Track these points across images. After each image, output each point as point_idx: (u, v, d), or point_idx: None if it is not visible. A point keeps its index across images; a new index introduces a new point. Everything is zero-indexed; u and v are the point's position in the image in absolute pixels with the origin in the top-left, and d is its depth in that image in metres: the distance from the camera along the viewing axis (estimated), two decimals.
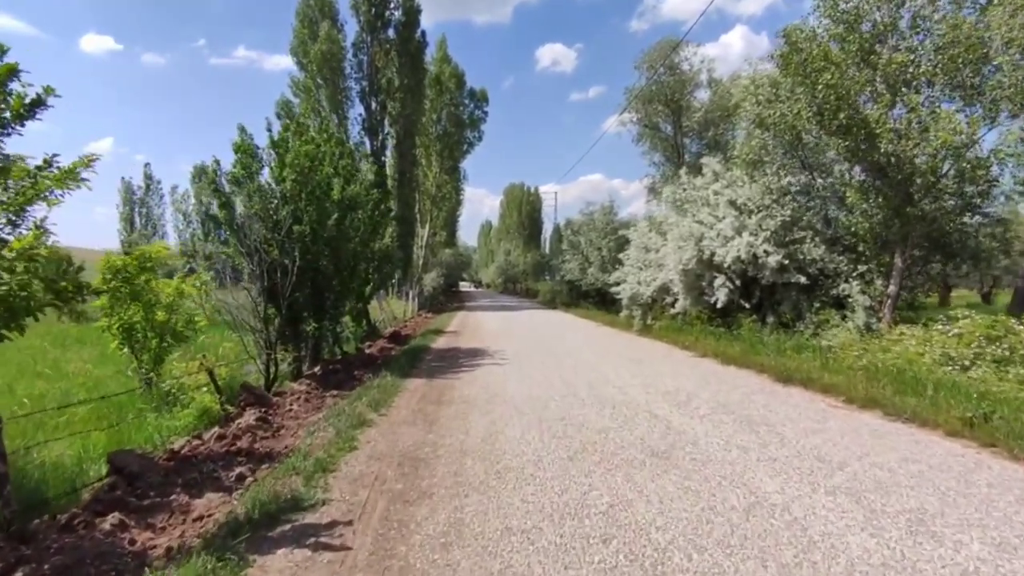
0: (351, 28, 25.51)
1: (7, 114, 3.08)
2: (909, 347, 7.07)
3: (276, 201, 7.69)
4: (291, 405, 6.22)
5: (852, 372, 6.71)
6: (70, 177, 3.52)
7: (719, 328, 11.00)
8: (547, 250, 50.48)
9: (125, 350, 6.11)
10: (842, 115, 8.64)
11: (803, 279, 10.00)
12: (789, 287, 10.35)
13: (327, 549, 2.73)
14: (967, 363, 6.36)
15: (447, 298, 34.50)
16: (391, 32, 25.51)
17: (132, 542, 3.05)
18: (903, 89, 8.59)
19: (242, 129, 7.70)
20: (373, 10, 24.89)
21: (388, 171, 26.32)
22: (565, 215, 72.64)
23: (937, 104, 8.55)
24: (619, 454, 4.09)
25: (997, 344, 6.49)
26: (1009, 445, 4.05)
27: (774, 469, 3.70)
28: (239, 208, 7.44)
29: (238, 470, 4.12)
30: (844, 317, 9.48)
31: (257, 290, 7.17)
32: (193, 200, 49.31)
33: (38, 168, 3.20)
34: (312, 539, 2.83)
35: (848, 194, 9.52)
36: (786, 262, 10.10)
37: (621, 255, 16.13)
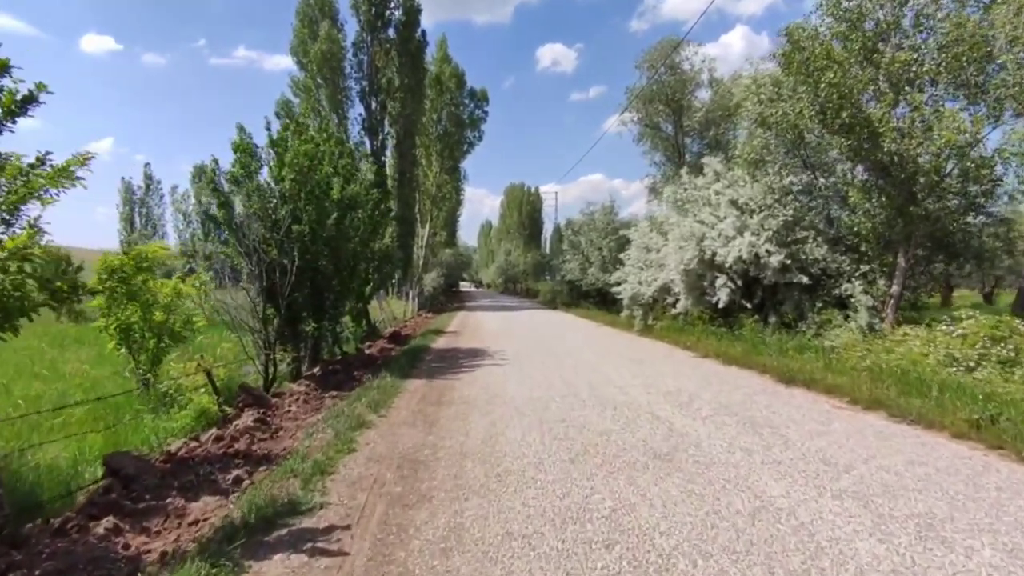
0: (351, 28, 25.47)
1: None
2: (913, 348, 7.01)
3: (275, 200, 7.64)
4: (290, 406, 6.17)
5: (856, 373, 6.65)
6: (64, 175, 3.47)
7: (721, 328, 10.94)
8: (547, 250, 50.41)
9: (122, 351, 6.06)
10: (845, 114, 8.57)
11: (805, 279, 9.94)
12: (791, 287, 10.29)
13: (324, 555, 2.67)
14: (972, 364, 6.30)
15: (447, 298, 34.45)
16: (391, 32, 25.45)
17: (126, 547, 2.99)
18: (906, 88, 8.52)
19: (241, 128, 7.65)
20: (373, 10, 24.83)
21: (388, 171, 26.25)
22: (565, 215, 72.69)
23: (941, 103, 8.49)
24: (621, 456, 4.04)
25: (1002, 345, 6.43)
26: (1017, 447, 3.99)
27: (779, 472, 3.65)
28: (238, 208, 7.39)
29: (235, 472, 4.07)
30: (847, 317, 9.42)
31: (256, 290, 7.12)
32: (193, 200, 49.31)
33: (31, 166, 3.15)
34: (309, 544, 2.78)
35: (851, 193, 9.46)
36: (788, 262, 10.04)
37: (622, 255, 16.07)
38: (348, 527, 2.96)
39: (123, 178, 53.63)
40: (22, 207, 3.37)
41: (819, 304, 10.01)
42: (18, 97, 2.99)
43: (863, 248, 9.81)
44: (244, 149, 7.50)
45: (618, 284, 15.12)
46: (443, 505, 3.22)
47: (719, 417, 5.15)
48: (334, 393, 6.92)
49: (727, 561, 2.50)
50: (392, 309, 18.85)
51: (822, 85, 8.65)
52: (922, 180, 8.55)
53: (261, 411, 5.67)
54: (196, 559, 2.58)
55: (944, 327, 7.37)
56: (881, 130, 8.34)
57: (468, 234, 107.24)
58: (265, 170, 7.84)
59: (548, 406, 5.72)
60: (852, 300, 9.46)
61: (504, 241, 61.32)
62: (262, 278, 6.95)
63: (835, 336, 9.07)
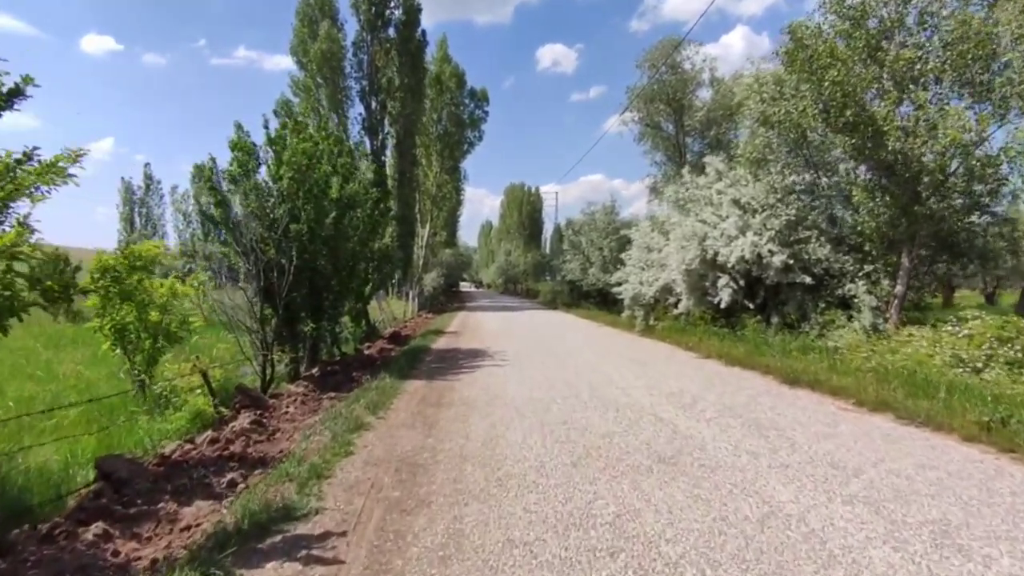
0: (351, 27, 25.42)
1: None
2: (920, 348, 6.92)
3: (273, 199, 7.56)
4: (287, 407, 6.08)
5: (861, 374, 6.56)
6: (54, 172, 3.38)
7: (723, 329, 10.86)
8: (548, 250, 50.31)
9: (117, 351, 5.97)
10: (848, 112, 8.49)
11: (808, 279, 9.86)
12: (794, 287, 10.20)
13: (319, 563, 2.59)
14: (979, 365, 6.22)
15: (447, 298, 34.35)
16: (391, 31, 25.39)
17: (116, 553, 2.91)
18: (910, 86, 8.45)
19: (239, 126, 7.57)
20: (373, 9, 24.78)
21: (388, 171, 26.18)
22: (566, 215, 72.54)
23: (945, 101, 8.41)
24: (624, 460, 3.95)
25: (1009, 346, 6.34)
26: None
27: (787, 476, 3.56)
28: (236, 207, 7.31)
29: (230, 476, 3.98)
30: (850, 318, 9.34)
31: (253, 290, 7.04)
32: (193, 200, 49.24)
33: (17, 161, 3.06)
34: (304, 552, 2.69)
35: (854, 193, 9.37)
36: (791, 262, 9.96)
37: (623, 255, 15.99)
38: (344, 533, 2.87)
39: (123, 178, 53.61)
40: (11, 204, 3.29)
41: (822, 304, 9.93)
42: (3, 90, 2.90)
43: (867, 248, 9.73)
44: (242, 147, 7.41)
45: (619, 284, 15.03)
46: (442, 510, 3.13)
47: (723, 419, 5.07)
48: (332, 394, 6.83)
49: (737, 571, 2.41)
50: (392, 309, 18.76)
51: (826, 83, 8.57)
52: (926, 179, 8.47)
53: (258, 413, 5.58)
54: (186, 568, 2.49)
55: (950, 327, 7.28)
56: (885, 129, 8.26)
57: (468, 234, 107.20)
58: (264, 169, 7.76)
59: (549, 408, 5.63)
60: (855, 300, 9.38)
61: (504, 241, 61.25)
62: (260, 278, 6.86)
63: (838, 336, 8.98)
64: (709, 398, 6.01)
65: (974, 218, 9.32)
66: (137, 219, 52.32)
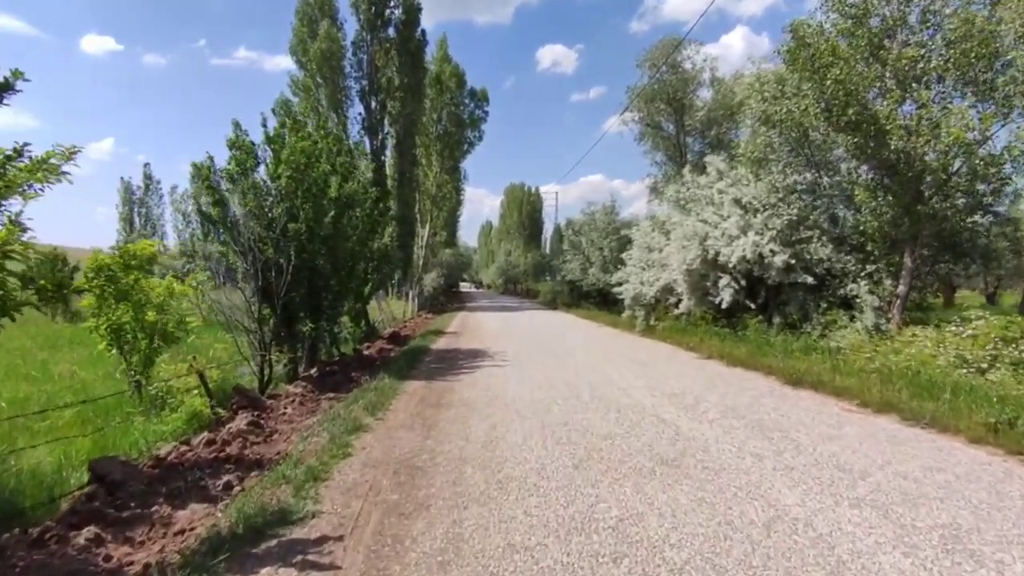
0: (351, 27, 25.37)
1: None
2: (924, 349, 6.86)
3: (271, 198, 7.50)
4: (285, 408, 6.02)
5: (865, 375, 6.50)
6: (47, 169, 3.32)
7: (724, 329, 10.80)
8: (548, 250, 50.25)
9: (113, 351, 5.91)
10: (851, 111, 8.44)
11: (810, 279, 9.81)
12: (795, 287, 10.15)
13: (315, 568, 2.52)
14: (984, 366, 6.15)
15: (447, 299, 34.29)
16: (391, 31, 25.33)
17: (107, 558, 2.84)
18: (913, 85, 8.39)
19: (237, 125, 7.51)
20: (373, 9, 24.71)
21: (388, 171, 26.12)
22: (566, 215, 72.40)
23: (948, 100, 8.36)
24: (627, 462, 3.88)
25: (1014, 346, 6.28)
26: None
27: (792, 479, 3.49)
28: (234, 206, 7.25)
29: (226, 478, 3.92)
30: (852, 318, 9.28)
31: (251, 289, 6.97)
32: (192, 200, 49.18)
33: (7, 157, 3.00)
34: (299, 557, 2.63)
35: (856, 192, 9.31)
36: (792, 262, 9.91)
37: (623, 255, 15.93)
38: (341, 538, 2.81)
39: (122, 178, 53.50)
40: (3, 202, 3.23)
41: (824, 304, 9.88)
42: None
43: (869, 248, 9.67)
44: (240, 146, 7.35)
45: (619, 284, 14.97)
46: (441, 514, 3.07)
47: (726, 420, 5.00)
48: (331, 395, 6.77)
49: None
50: (391, 309, 18.70)
51: (828, 82, 8.51)
52: (929, 178, 8.41)
53: (255, 414, 5.52)
54: (179, 573, 2.43)
55: (953, 328, 7.22)
56: (888, 128, 8.21)
57: (468, 234, 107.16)
58: (262, 168, 7.70)
59: (550, 409, 5.57)
60: (858, 300, 9.32)
61: (504, 241, 61.20)
62: (258, 277, 6.80)
63: (841, 337, 8.93)
64: (711, 399, 5.95)
65: (977, 218, 9.28)
66: (136, 219, 52.24)
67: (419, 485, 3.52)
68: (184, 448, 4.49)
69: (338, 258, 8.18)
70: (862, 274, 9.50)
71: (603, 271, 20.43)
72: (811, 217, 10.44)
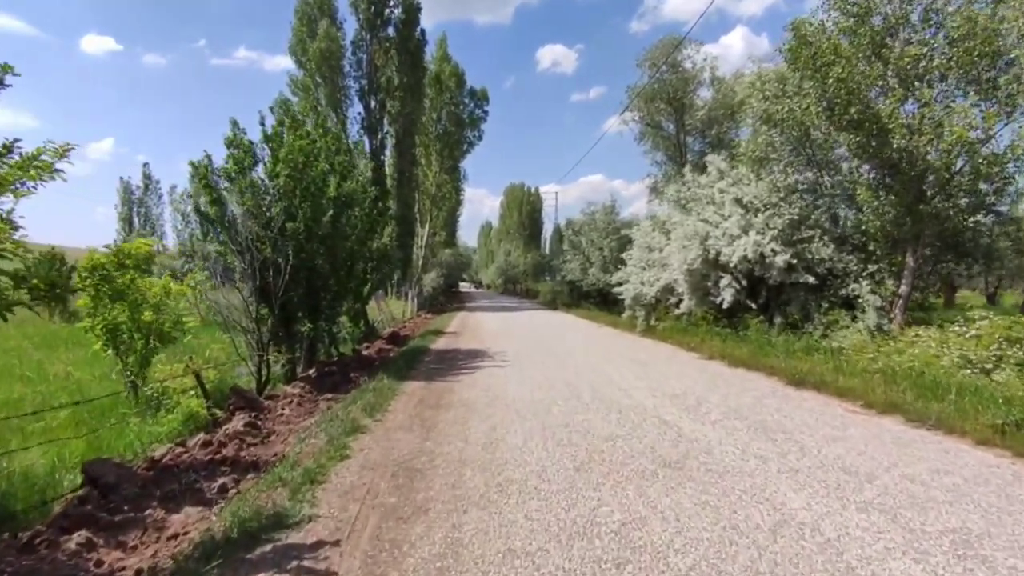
0: (350, 26, 25.39)
1: None
2: (928, 349, 6.80)
3: (269, 197, 7.43)
4: (283, 409, 5.95)
5: (868, 375, 6.44)
6: (39, 167, 3.26)
7: (725, 329, 10.74)
8: (547, 250, 50.21)
9: (109, 352, 5.85)
10: (853, 110, 8.38)
11: (811, 279, 9.75)
12: (797, 287, 10.09)
13: (310, 574, 2.46)
14: (988, 366, 6.10)
15: (447, 299, 34.22)
16: (391, 30, 25.25)
17: (99, 563, 2.78)
18: (915, 83, 8.33)
19: (234, 123, 7.45)
20: (372, 8, 24.64)
21: (387, 170, 26.05)
22: (566, 215, 72.21)
23: (951, 99, 8.30)
24: (629, 464, 3.82)
25: (1019, 346, 6.22)
26: None
27: (798, 482, 3.43)
28: (231, 205, 7.19)
29: (221, 480, 3.86)
30: (854, 318, 9.23)
31: (249, 289, 6.91)
32: (192, 200, 49.09)
33: None
34: (295, 562, 2.57)
35: (858, 191, 9.26)
36: (794, 261, 9.85)
37: (623, 255, 15.87)
38: (337, 543, 2.75)
39: (121, 178, 53.43)
40: None
41: (825, 305, 9.82)
42: None
43: (871, 247, 9.61)
44: (237, 144, 7.29)
45: (620, 284, 14.91)
46: (440, 518, 3.01)
47: (729, 421, 4.94)
48: (329, 395, 6.71)
49: None
50: (391, 309, 18.63)
51: (829, 80, 8.45)
52: (931, 178, 8.36)
53: (252, 414, 5.46)
54: None
55: (957, 328, 7.17)
56: (890, 126, 8.15)
57: (468, 234, 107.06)
58: (260, 167, 7.64)
59: (550, 410, 5.51)
60: (859, 300, 9.26)
61: (504, 241, 61.12)
62: (255, 277, 6.74)
63: (843, 337, 8.87)
64: (713, 400, 5.89)
65: (979, 217, 9.22)
66: (136, 219, 52.16)
67: (417, 488, 3.46)
68: (180, 450, 4.42)
69: (337, 258, 8.12)
70: (864, 274, 9.44)
71: (603, 271, 20.37)
72: (812, 217, 10.38)
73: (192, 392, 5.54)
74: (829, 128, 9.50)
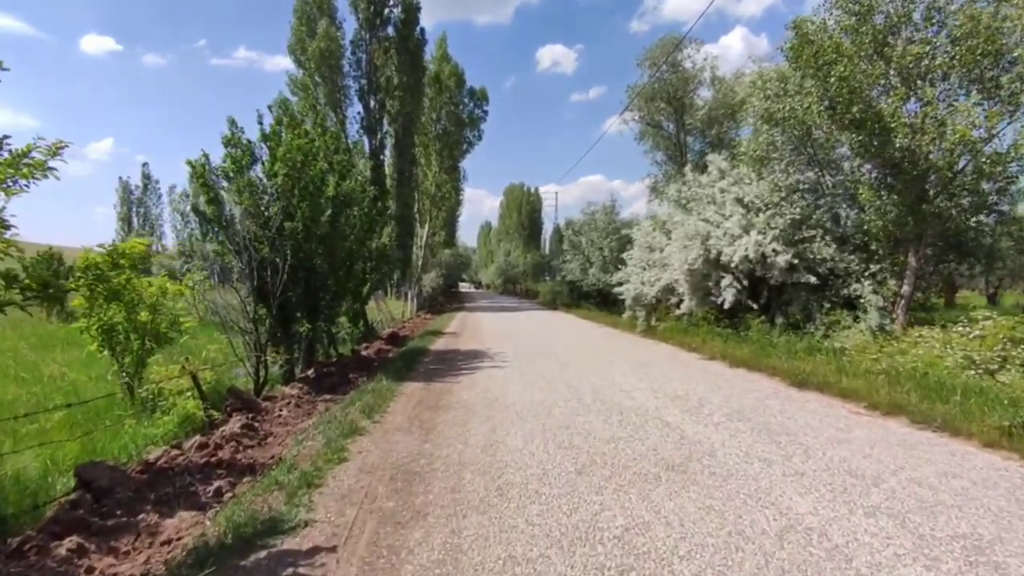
0: (349, 25, 25.36)
1: None
2: (932, 349, 6.74)
3: (267, 197, 7.37)
4: (280, 410, 5.89)
5: (871, 376, 6.38)
6: (31, 164, 3.20)
7: (726, 329, 10.68)
8: (547, 251, 50.14)
9: (105, 352, 5.78)
10: (855, 109, 8.33)
11: (813, 279, 9.70)
12: (798, 287, 10.04)
13: None
14: (993, 367, 6.04)
15: (446, 299, 34.16)
16: (390, 30, 25.17)
17: (90, 570, 2.72)
18: (918, 82, 8.28)
19: (232, 122, 7.38)
20: (372, 7, 24.56)
21: (387, 170, 25.97)
22: (566, 216, 72.18)
23: (954, 98, 8.25)
24: (631, 467, 3.76)
25: (1023, 347, 6.17)
26: None
27: (803, 485, 3.37)
28: (229, 204, 7.13)
29: (217, 484, 3.80)
30: (856, 318, 9.17)
31: (247, 289, 6.85)
32: (191, 200, 49.04)
33: None
34: (289, 569, 2.50)
35: (861, 191, 9.21)
36: (795, 261, 9.80)
37: (624, 255, 15.81)
38: (334, 549, 2.68)
39: (120, 178, 53.35)
40: None
41: (827, 305, 9.77)
42: None
43: (873, 247, 9.56)
44: (235, 143, 7.23)
45: (620, 284, 14.85)
46: (439, 523, 2.95)
47: (732, 423, 4.88)
48: (328, 396, 6.65)
49: None
50: (390, 310, 18.57)
51: (832, 79, 8.40)
52: (934, 177, 8.31)
53: (250, 416, 5.39)
54: None
55: (960, 328, 7.11)
56: (892, 125, 8.10)
57: (468, 235, 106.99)
58: (258, 166, 7.57)
59: (551, 411, 5.45)
60: (861, 300, 9.21)
61: (504, 242, 61.06)
62: (253, 277, 6.68)
63: (845, 337, 8.82)
64: (715, 401, 5.83)
65: (981, 217, 9.16)
66: (135, 219, 52.12)
67: (416, 492, 3.40)
68: (175, 452, 4.36)
69: (335, 257, 8.05)
70: (866, 274, 9.39)
71: (603, 271, 20.31)
72: (814, 216, 10.33)
73: (189, 393, 5.47)
74: (831, 127, 9.44)
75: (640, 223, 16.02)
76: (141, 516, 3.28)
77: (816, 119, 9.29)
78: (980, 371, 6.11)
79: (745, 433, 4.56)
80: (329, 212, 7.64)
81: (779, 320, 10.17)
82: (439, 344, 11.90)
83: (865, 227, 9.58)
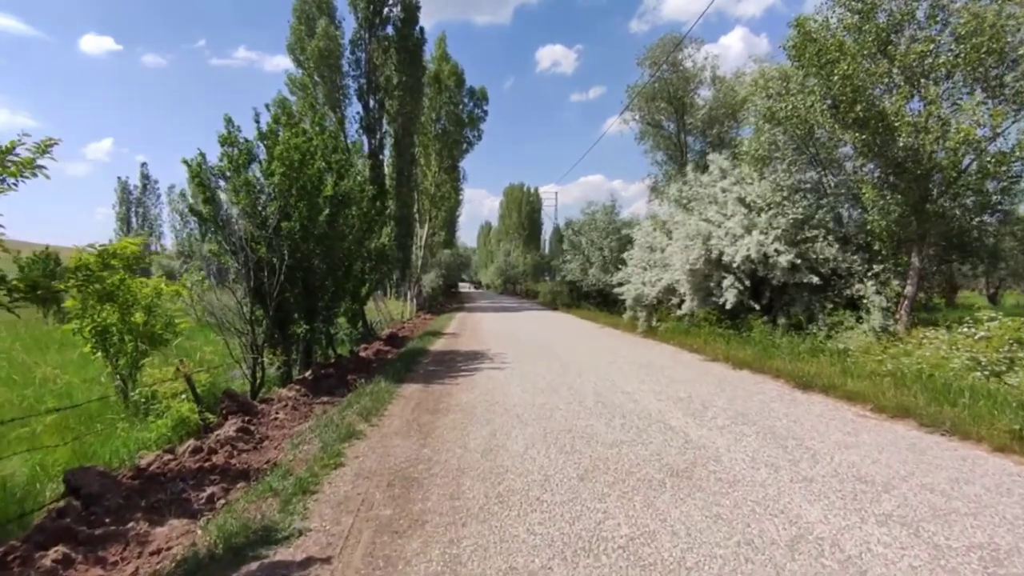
0: (349, 25, 25.31)
1: None
2: (938, 350, 6.66)
3: (264, 196, 7.27)
4: (277, 413, 5.79)
5: (877, 378, 6.30)
6: (17, 162, 3.11)
7: (728, 330, 10.59)
8: (547, 251, 50.09)
9: (98, 354, 5.69)
10: (858, 107, 8.25)
11: (815, 279, 9.61)
12: (801, 287, 9.96)
13: None
14: (1001, 369, 5.95)
15: (446, 299, 34.07)
16: (390, 29, 25.10)
17: None
18: (921, 80, 8.20)
19: (229, 120, 7.28)
20: (371, 7, 24.48)
21: (386, 170, 25.89)
22: (565, 216, 72.07)
23: (957, 97, 8.17)
24: (635, 473, 3.67)
25: None
26: None
27: (812, 492, 3.28)
28: (225, 204, 7.04)
29: (210, 490, 3.70)
30: (859, 319, 9.09)
31: (244, 290, 6.76)
32: (190, 199, 48.96)
33: None
34: None
35: (864, 191, 9.13)
36: (798, 261, 9.71)
37: (624, 255, 15.72)
38: (329, 559, 2.59)
39: (119, 178, 53.20)
40: None
41: (830, 305, 9.69)
42: None
43: (876, 247, 9.48)
44: (232, 142, 7.13)
45: (620, 285, 14.76)
46: (437, 532, 2.85)
47: (737, 427, 4.79)
48: (325, 398, 6.56)
49: None
50: (390, 310, 18.46)
51: (834, 77, 8.32)
52: (938, 176, 8.22)
53: (245, 419, 5.29)
54: None
55: (965, 329, 7.03)
56: (896, 124, 8.02)
57: (467, 235, 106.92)
58: (256, 165, 7.47)
59: (552, 414, 5.35)
60: (864, 301, 9.13)
61: (503, 242, 61.00)
62: (250, 277, 6.58)
63: (848, 338, 8.73)
64: (719, 403, 5.74)
65: (985, 217, 9.08)
66: (134, 219, 52.00)
67: (414, 499, 3.31)
68: (168, 457, 4.26)
69: (334, 258, 7.96)
70: (869, 274, 9.31)
71: (603, 271, 20.22)
72: (816, 216, 10.25)
73: (183, 396, 5.38)
74: (834, 126, 9.36)
75: (640, 223, 15.93)
76: (131, 524, 3.19)
77: (819, 118, 9.21)
78: (987, 373, 6.03)
79: (751, 437, 4.47)
80: (327, 212, 7.54)
81: (781, 321, 10.08)
82: (438, 345, 11.80)
83: (868, 227, 9.50)
